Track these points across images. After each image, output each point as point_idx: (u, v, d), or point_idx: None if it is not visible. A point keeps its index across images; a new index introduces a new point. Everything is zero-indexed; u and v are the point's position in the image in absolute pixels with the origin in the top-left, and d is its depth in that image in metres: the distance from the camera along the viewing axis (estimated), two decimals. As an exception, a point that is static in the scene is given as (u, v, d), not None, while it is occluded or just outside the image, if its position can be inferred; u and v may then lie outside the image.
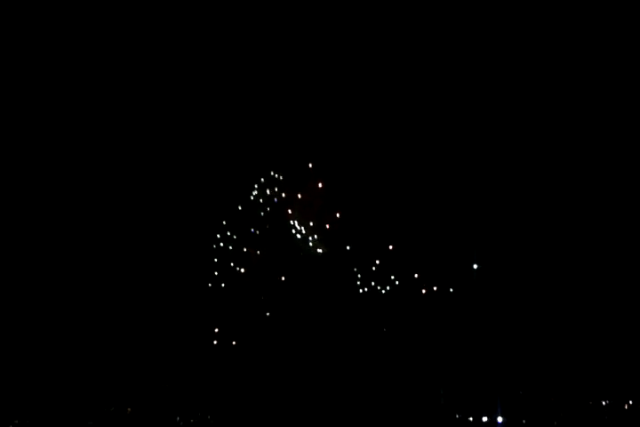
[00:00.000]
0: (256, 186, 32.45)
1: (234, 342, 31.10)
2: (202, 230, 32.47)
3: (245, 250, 31.94)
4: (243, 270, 31.52)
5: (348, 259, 31.93)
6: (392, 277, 31.61)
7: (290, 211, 31.76)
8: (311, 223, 31.72)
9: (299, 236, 31.61)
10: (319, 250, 31.62)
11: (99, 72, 33.37)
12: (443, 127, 33.25)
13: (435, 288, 31.32)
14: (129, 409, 31.77)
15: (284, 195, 32.14)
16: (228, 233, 32.07)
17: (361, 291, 31.54)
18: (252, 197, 32.46)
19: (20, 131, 32.91)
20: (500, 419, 30.50)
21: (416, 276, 31.47)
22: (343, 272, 31.86)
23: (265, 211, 32.36)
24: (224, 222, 32.09)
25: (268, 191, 32.28)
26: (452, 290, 31.43)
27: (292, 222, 31.63)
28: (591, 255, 32.10)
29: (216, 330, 30.92)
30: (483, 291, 31.88)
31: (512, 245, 32.36)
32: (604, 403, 31.48)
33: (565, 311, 31.84)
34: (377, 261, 31.59)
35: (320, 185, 31.81)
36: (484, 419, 30.92)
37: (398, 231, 32.19)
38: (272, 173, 32.59)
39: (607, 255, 32.07)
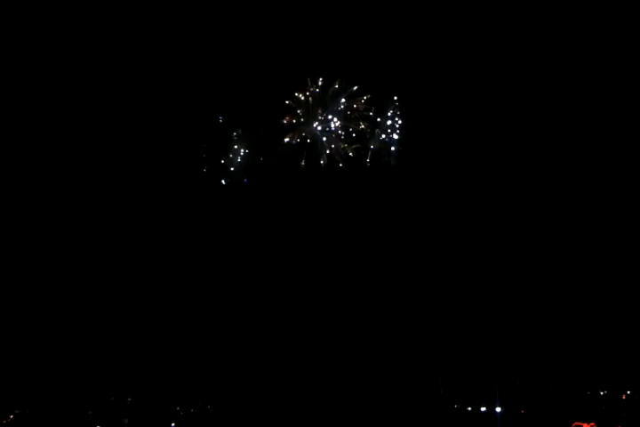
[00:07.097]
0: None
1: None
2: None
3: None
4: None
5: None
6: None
7: None
8: None
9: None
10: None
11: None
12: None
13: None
14: (129, 399, 31.91)
15: None
16: None
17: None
18: None
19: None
20: (498, 409, 30.66)
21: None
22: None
23: None
24: None
25: None
26: (451, 281, 31.73)
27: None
28: (588, 252, 32.25)
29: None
30: (481, 283, 32.07)
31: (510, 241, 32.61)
32: (601, 393, 31.63)
33: (563, 304, 31.96)
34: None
35: None
36: (483, 409, 31.08)
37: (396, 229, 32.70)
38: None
39: (604, 252, 32.23)
